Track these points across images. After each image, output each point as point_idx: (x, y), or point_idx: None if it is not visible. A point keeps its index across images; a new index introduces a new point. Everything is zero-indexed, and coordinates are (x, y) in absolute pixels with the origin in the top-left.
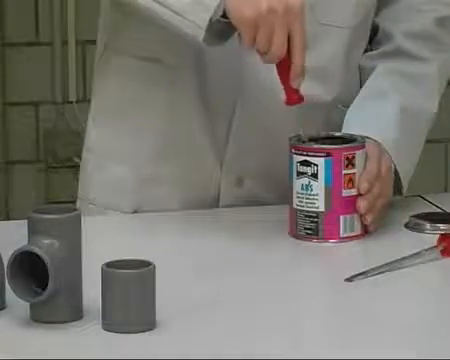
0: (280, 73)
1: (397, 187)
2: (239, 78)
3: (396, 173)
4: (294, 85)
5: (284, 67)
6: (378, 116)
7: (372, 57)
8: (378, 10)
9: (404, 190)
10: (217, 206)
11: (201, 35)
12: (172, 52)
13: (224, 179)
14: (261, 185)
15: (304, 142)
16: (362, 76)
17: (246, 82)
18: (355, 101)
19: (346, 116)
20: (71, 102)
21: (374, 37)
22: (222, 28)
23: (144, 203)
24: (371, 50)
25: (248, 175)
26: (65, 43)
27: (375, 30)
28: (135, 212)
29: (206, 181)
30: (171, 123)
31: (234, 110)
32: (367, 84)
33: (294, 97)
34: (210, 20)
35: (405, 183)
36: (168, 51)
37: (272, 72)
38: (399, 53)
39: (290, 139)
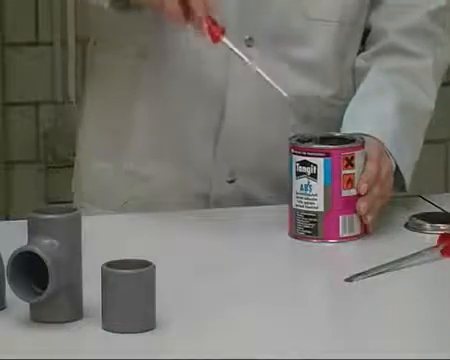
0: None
1: (400, 184)
2: (228, 69)
3: (397, 169)
4: None
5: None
6: (376, 113)
7: (366, 57)
8: (369, 10)
9: (407, 186)
10: (208, 202)
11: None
12: (159, 42)
13: (215, 175)
14: (254, 182)
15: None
16: (357, 77)
17: (235, 74)
18: (353, 100)
19: (345, 114)
20: (71, 102)
21: (366, 38)
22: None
23: (132, 199)
24: (364, 51)
25: (240, 171)
26: (65, 43)
27: (367, 31)
28: (124, 205)
29: (197, 177)
30: (159, 119)
31: (224, 102)
32: (364, 83)
33: (216, 31)
34: None
35: (407, 178)
36: (155, 43)
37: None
38: (393, 50)
39: (290, 139)
